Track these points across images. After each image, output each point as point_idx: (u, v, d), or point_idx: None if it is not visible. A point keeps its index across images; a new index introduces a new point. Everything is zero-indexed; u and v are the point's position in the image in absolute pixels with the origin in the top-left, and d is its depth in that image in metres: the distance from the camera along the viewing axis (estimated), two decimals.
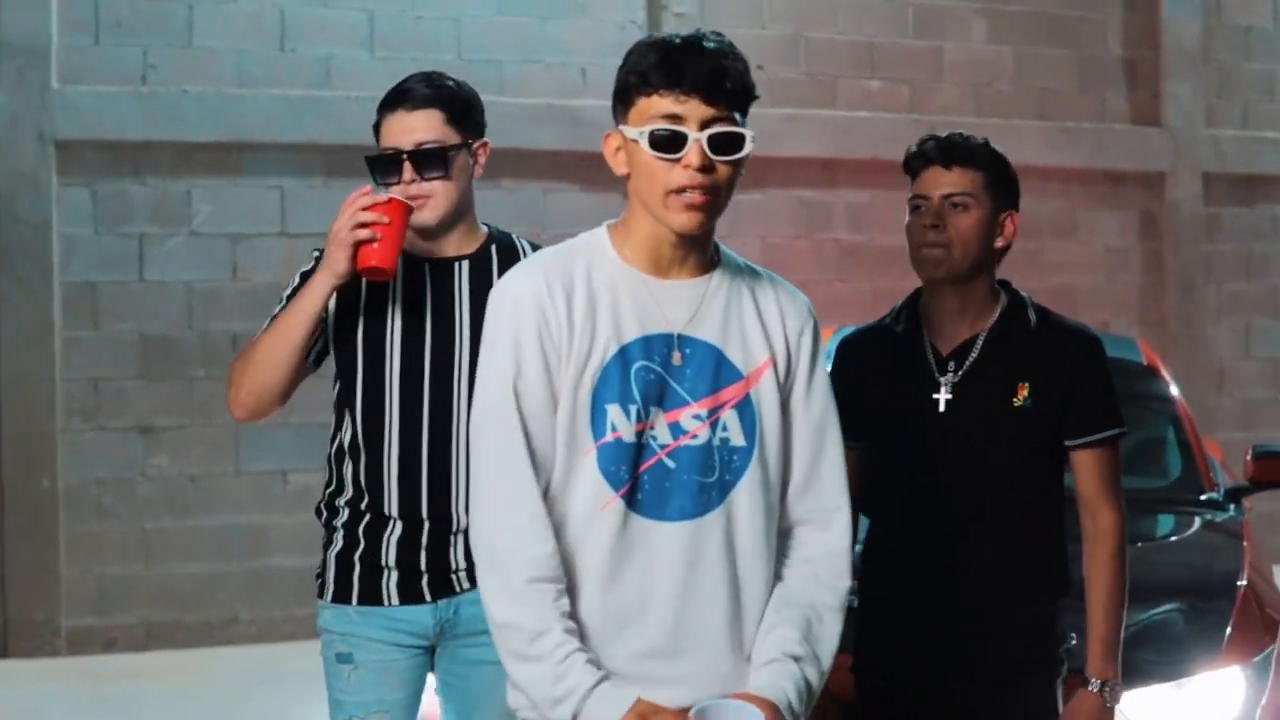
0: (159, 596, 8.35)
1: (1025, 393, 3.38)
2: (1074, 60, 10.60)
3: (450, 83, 3.48)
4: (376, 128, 3.46)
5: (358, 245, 3.23)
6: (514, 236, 3.57)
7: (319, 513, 3.57)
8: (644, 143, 2.57)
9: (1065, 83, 10.51)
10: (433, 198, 3.38)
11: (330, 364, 3.49)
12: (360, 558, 3.46)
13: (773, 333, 2.72)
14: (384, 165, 3.39)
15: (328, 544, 3.53)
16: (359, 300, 3.44)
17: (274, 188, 8.53)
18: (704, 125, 2.57)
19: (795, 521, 2.76)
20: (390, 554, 3.43)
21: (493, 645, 3.13)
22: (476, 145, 3.46)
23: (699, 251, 2.68)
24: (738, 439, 2.67)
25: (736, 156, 2.59)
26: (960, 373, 3.40)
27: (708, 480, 2.64)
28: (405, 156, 3.36)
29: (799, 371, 2.74)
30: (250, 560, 8.55)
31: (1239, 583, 4.34)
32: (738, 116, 2.60)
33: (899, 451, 3.45)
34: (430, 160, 3.36)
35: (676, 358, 2.65)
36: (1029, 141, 10.16)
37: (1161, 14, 10.77)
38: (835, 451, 2.78)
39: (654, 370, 2.64)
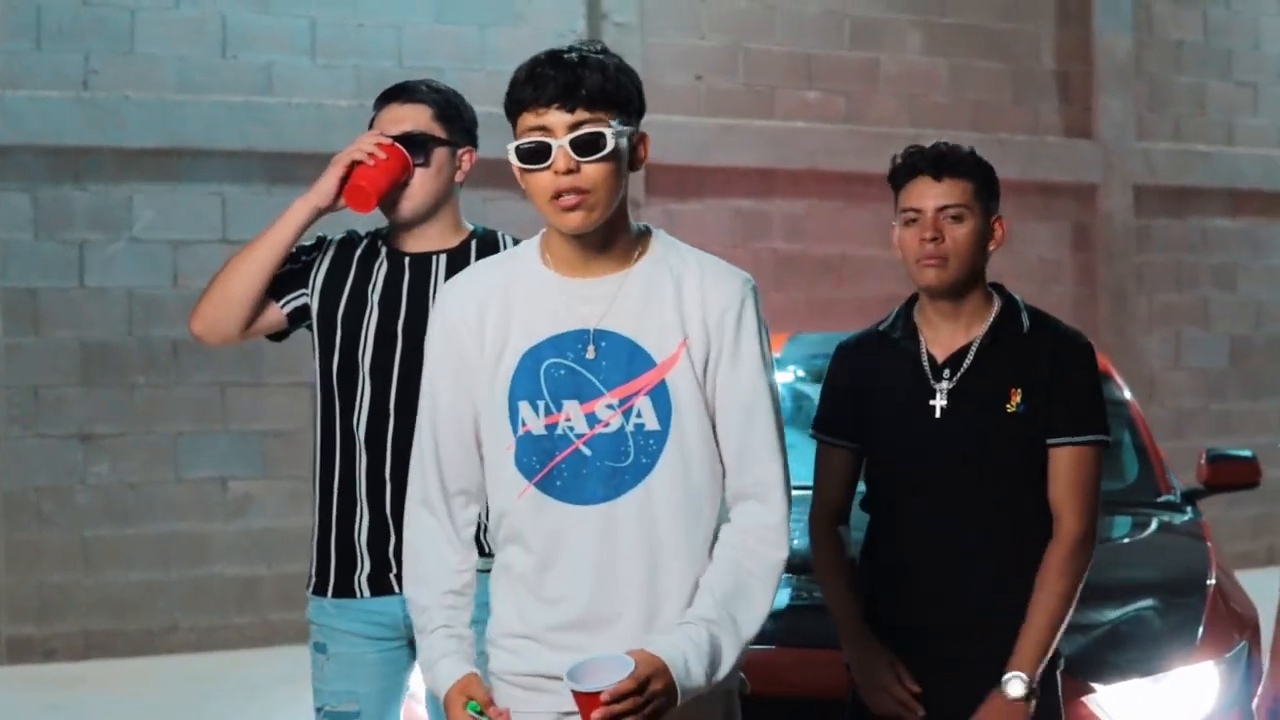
0: (99, 605, 8.40)
1: (1018, 398, 3.45)
2: (1008, 73, 10.86)
3: (448, 89, 3.72)
4: (371, 123, 3.67)
5: (352, 167, 3.49)
6: (499, 233, 3.72)
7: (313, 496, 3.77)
8: (514, 158, 2.79)
9: (999, 95, 10.76)
10: (409, 189, 3.58)
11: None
12: (336, 545, 3.62)
13: (690, 318, 2.87)
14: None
15: (312, 532, 3.71)
16: (341, 290, 3.63)
17: (215, 194, 8.62)
18: (568, 131, 2.77)
19: (735, 497, 2.92)
20: (362, 544, 3.59)
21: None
22: (462, 150, 3.66)
23: (612, 248, 2.88)
24: (652, 424, 2.85)
25: (599, 156, 2.76)
26: (955, 379, 3.47)
27: (621, 465, 2.84)
28: (391, 140, 3.56)
29: (722, 351, 2.87)
30: (190, 568, 8.62)
31: (1209, 581, 4.42)
32: (612, 120, 2.79)
33: (898, 456, 3.51)
34: (412, 146, 3.57)
35: (590, 351, 2.86)
36: None
37: (1094, 28, 11.05)
38: (767, 426, 2.91)
39: (565, 365, 2.86)
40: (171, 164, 8.50)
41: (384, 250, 3.68)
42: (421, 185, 3.59)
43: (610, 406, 2.85)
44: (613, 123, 2.79)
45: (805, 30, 10.20)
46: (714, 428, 2.90)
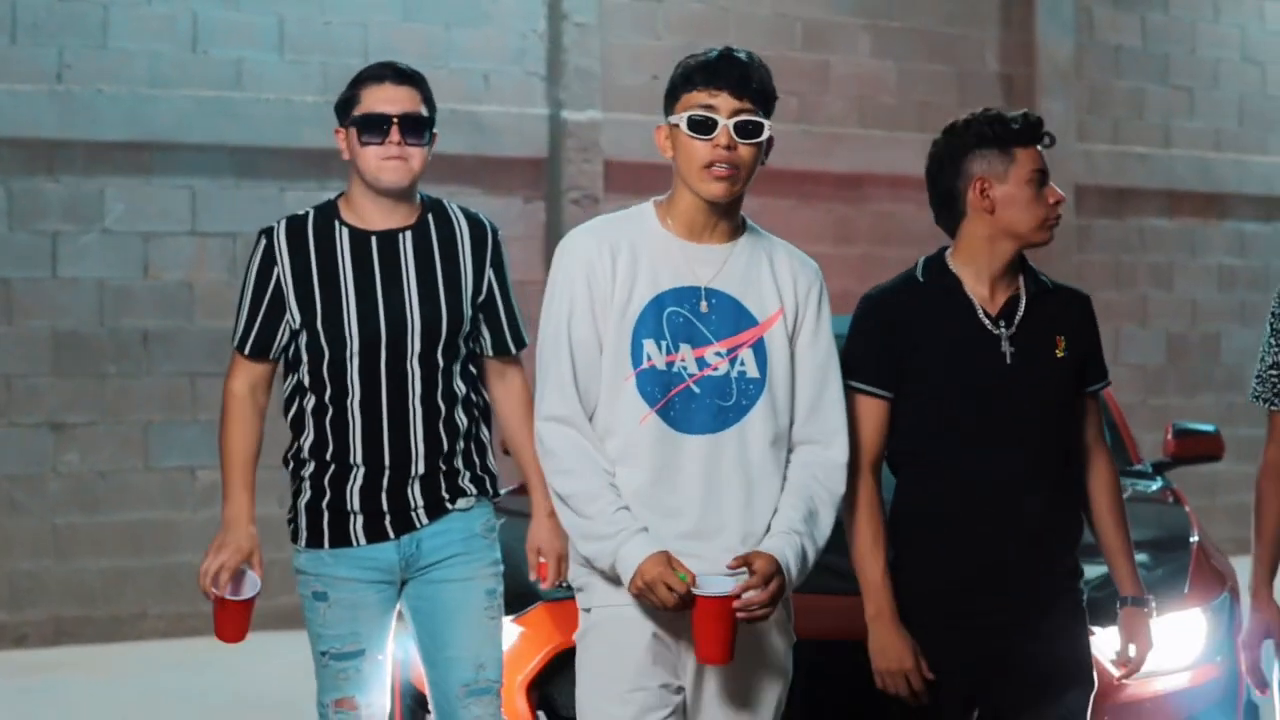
0: (69, 592, 8.55)
1: (1063, 344, 3.70)
2: (953, 75, 11.18)
3: (420, 73, 3.98)
4: (352, 100, 3.90)
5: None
6: (444, 202, 4.02)
7: (286, 463, 4.01)
8: (684, 125, 3.35)
9: (945, 97, 11.01)
10: (408, 161, 3.86)
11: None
12: (328, 505, 3.91)
13: (784, 289, 3.45)
14: (372, 125, 3.84)
15: (297, 493, 4.00)
16: (312, 277, 3.88)
17: (185, 187, 8.82)
18: (732, 115, 3.34)
19: (800, 442, 3.47)
20: (354, 500, 3.90)
21: (456, 565, 3.92)
22: (434, 131, 3.94)
23: (727, 221, 3.44)
24: (752, 372, 3.42)
25: (757, 140, 3.36)
26: (1014, 328, 3.66)
27: (725, 404, 3.40)
28: (395, 120, 3.84)
29: (805, 321, 3.47)
30: (159, 556, 8.78)
31: (1192, 539, 4.90)
32: (761, 114, 3.37)
33: (963, 401, 3.65)
34: (416, 127, 3.87)
35: (703, 306, 3.41)
36: (910, 153, 10.61)
37: (1036, 33, 11.35)
38: (836, 387, 3.51)
39: (683, 314, 3.40)
40: (143, 157, 8.68)
41: (345, 231, 3.91)
42: (419, 162, 3.88)
43: (719, 354, 3.40)
44: (766, 118, 3.38)
45: (757, 32, 10.41)
46: (794, 383, 3.46)
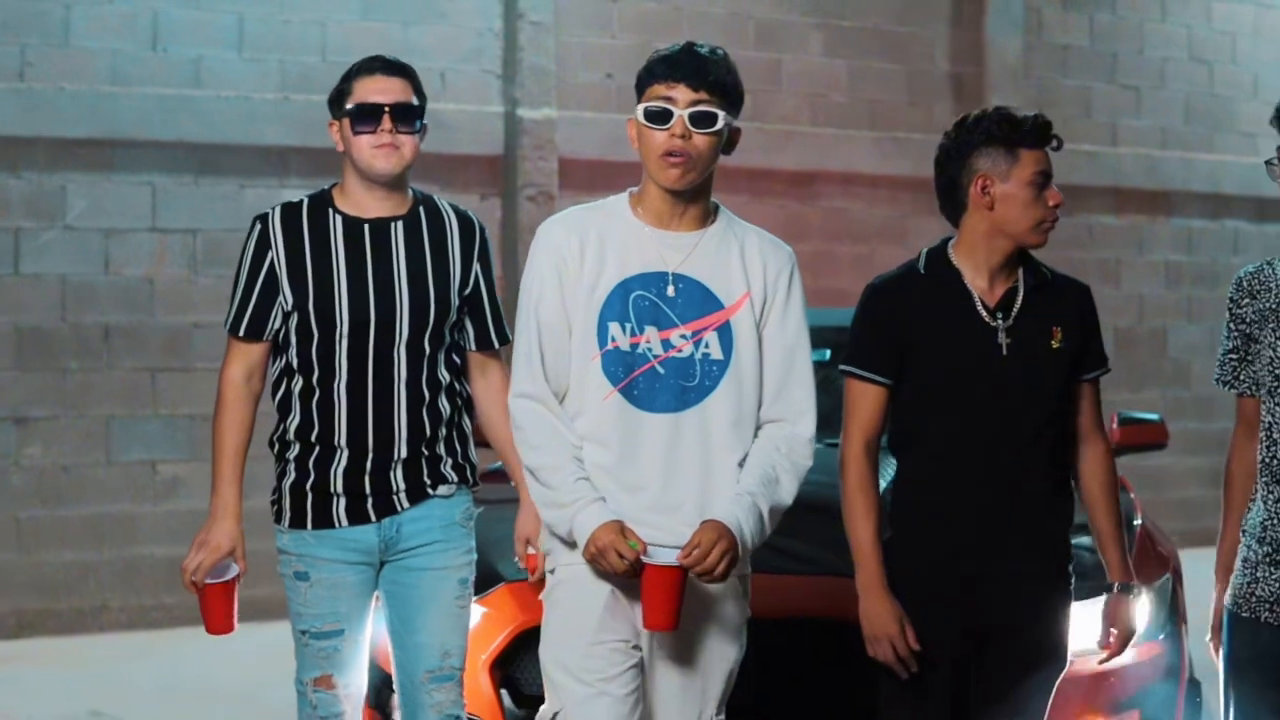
0: (31, 584, 8.62)
1: (1060, 335, 3.82)
2: (904, 74, 11.31)
3: (409, 64, 4.12)
4: (345, 92, 4.03)
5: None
6: (434, 197, 4.16)
7: (272, 445, 4.10)
8: (640, 115, 3.52)
9: (895, 95, 11.20)
10: (400, 149, 3.99)
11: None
12: (312, 487, 4.03)
13: (753, 274, 3.61)
14: (366, 115, 3.97)
15: (281, 475, 4.09)
16: (305, 260, 4.00)
17: (145, 184, 8.91)
18: (688, 106, 3.49)
19: (767, 420, 3.64)
20: (338, 482, 4.02)
21: (433, 553, 4.03)
22: (423, 122, 4.07)
23: (695, 209, 3.61)
24: (717, 354, 3.58)
25: (711, 129, 3.50)
26: (1011, 319, 3.80)
27: (689, 384, 3.57)
28: (387, 109, 3.97)
29: (774, 305, 3.63)
30: (120, 549, 8.87)
31: (1136, 523, 5.08)
32: (723, 105, 3.52)
33: (957, 390, 3.79)
34: (407, 116, 4.00)
35: (670, 290, 3.57)
36: (861, 151, 10.93)
37: (985, 32, 11.48)
38: (805, 364, 3.66)
39: (649, 298, 3.57)
40: (104, 154, 8.76)
41: (338, 218, 4.04)
42: (410, 150, 4.01)
43: (684, 336, 3.57)
44: (722, 109, 3.52)
45: (710, 31, 10.44)
46: (761, 365, 3.62)
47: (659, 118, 3.51)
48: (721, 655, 3.65)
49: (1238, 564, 3.70)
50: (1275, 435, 3.64)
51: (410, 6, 9.63)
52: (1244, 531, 3.72)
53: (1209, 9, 12.77)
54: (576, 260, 3.58)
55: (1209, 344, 12.00)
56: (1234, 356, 3.77)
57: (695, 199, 3.62)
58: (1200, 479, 11.80)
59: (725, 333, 3.60)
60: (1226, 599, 3.74)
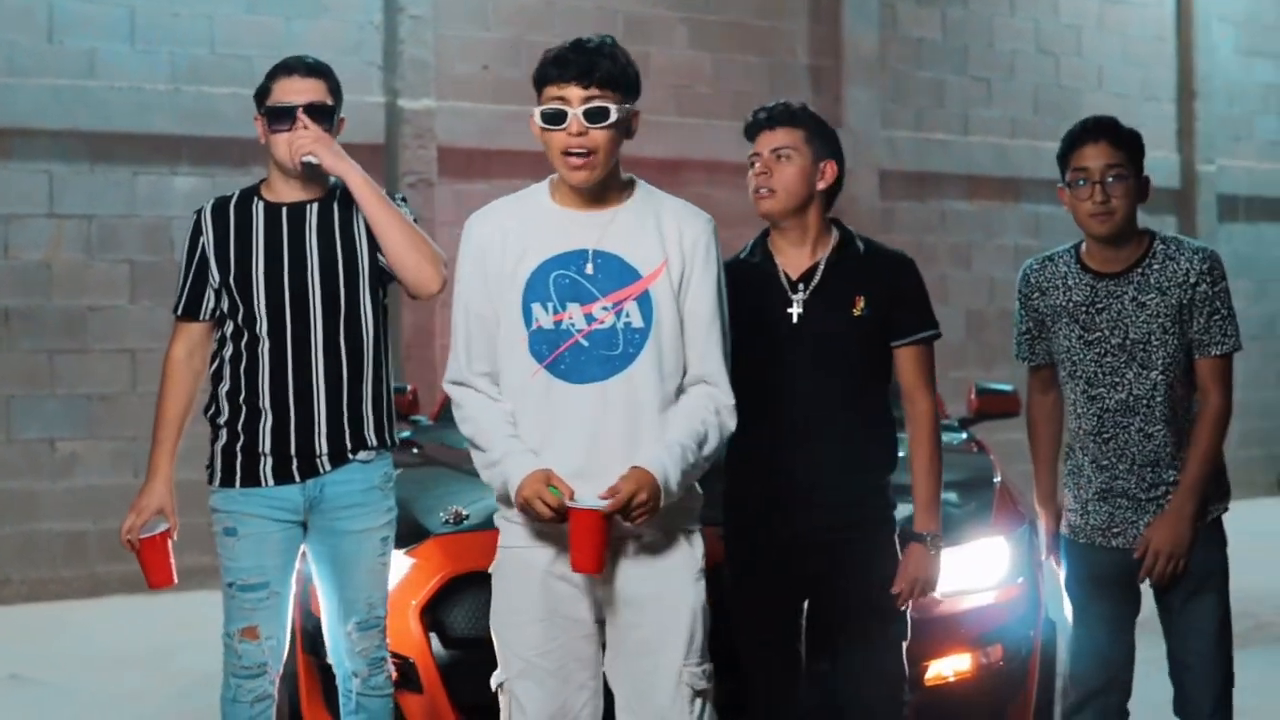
0: None
1: (862, 304, 4.12)
2: (766, 66, 11.72)
3: (327, 65, 4.41)
4: (265, 91, 4.32)
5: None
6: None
7: (206, 412, 4.38)
8: (537, 118, 3.65)
9: (758, 86, 11.53)
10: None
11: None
12: (241, 449, 4.34)
13: (669, 243, 3.71)
14: (280, 115, 4.27)
15: (214, 439, 4.38)
16: (229, 242, 4.34)
17: (42, 172, 9.19)
18: (581, 104, 3.61)
19: (693, 381, 3.76)
20: (266, 442, 4.32)
21: (355, 516, 4.36)
22: (340, 116, 4.39)
23: (610, 190, 3.73)
24: (637, 323, 3.69)
25: (603, 124, 3.62)
26: (809, 291, 4.14)
27: (612, 354, 3.68)
28: (300, 109, 4.27)
29: (694, 271, 3.72)
30: (20, 524, 9.14)
31: (995, 479, 5.47)
32: (616, 96, 3.65)
33: (758, 355, 4.07)
34: (319, 114, 4.29)
35: (589, 268, 3.69)
36: (725, 140, 10.80)
37: (843, 26, 11.91)
38: (722, 331, 3.77)
39: (569, 276, 3.68)
40: (1, 143, 9.02)
41: (260, 204, 4.37)
42: None
43: (605, 308, 3.67)
44: (615, 101, 3.66)
45: (582, 25, 10.70)
46: (682, 330, 3.73)
47: (554, 119, 3.61)
48: (675, 605, 3.73)
49: (1069, 501, 4.43)
50: (1078, 410, 4.39)
51: (293, 1, 9.91)
52: (1069, 477, 4.44)
53: (1055, 4, 13.24)
54: (498, 250, 3.69)
55: None
56: (1029, 337, 4.49)
57: (607, 186, 3.73)
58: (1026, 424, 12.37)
59: (645, 301, 3.69)
60: (1064, 529, 4.45)
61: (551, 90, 3.64)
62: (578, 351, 3.70)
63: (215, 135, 9.44)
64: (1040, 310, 4.44)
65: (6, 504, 9.14)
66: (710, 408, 3.76)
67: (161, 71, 9.53)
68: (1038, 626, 5.18)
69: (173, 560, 4.33)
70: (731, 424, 3.79)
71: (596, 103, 3.64)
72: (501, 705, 3.84)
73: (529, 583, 3.75)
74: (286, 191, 4.39)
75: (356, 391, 4.37)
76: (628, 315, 3.71)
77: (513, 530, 3.78)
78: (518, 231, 3.73)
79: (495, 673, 3.84)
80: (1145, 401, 4.30)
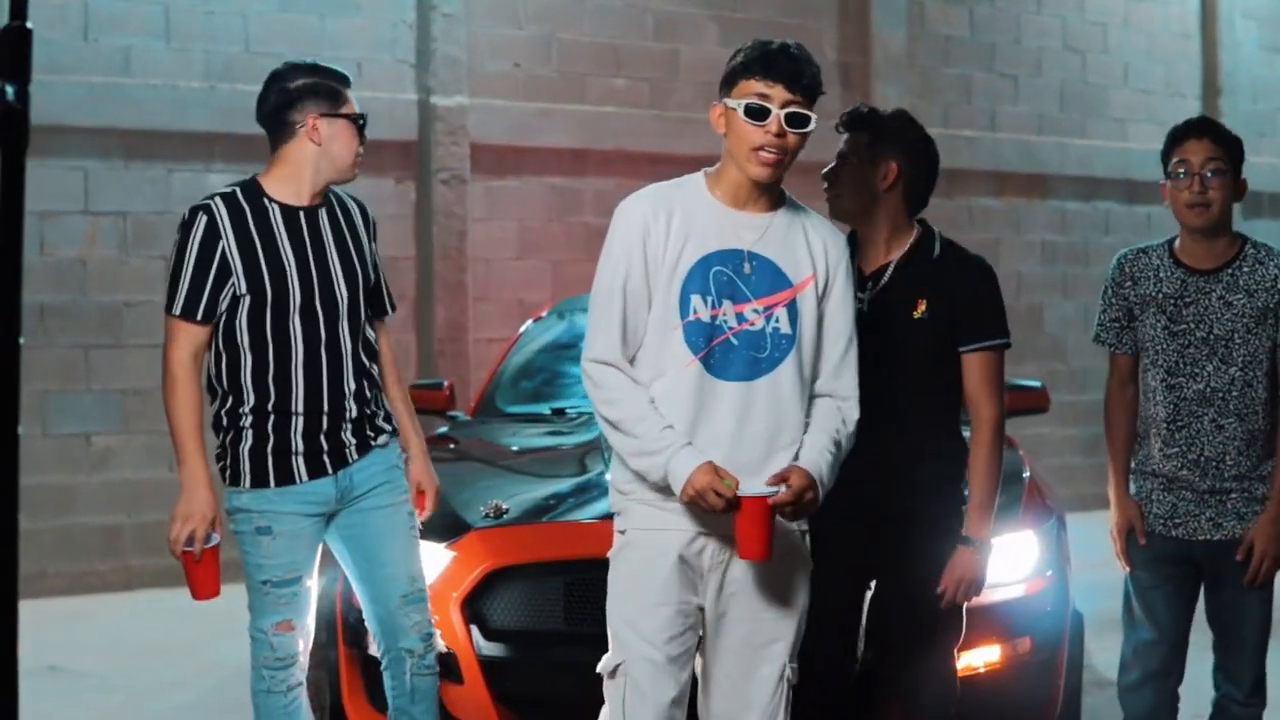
0: None
1: (923, 307, 4.16)
2: None
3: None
4: (338, 94, 4.38)
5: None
6: (330, 190, 4.43)
7: (219, 419, 4.35)
8: (740, 110, 3.64)
9: None
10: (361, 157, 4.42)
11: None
12: (272, 449, 4.34)
13: (817, 257, 3.77)
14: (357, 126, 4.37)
15: (235, 442, 4.33)
16: (255, 247, 4.30)
17: (78, 169, 9.23)
18: (784, 106, 3.63)
19: (823, 394, 3.80)
20: (298, 441, 4.34)
21: (382, 494, 4.40)
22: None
23: (769, 195, 3.75)
24: (785, 329, 3.73)
25: (804, 130, 3.65)
26: (876, 289, 4.20)
27: (760, 355, 3.70)
28: (364, 122, 4.41)
29: (835, 287, 3.79)
30: (57, 518, 9.19)
31: (1024, 475, 5.50)
32: (811, 106, 3.67)
33: None
34: (365, 126, 4.44)
35: (746, 267, 3.71)
36: None
37: (871, 24, 11.96)
38: (854, 351, 3.82)
39: (727, 273, 3.70)
40: (37, 140, 8.73)
41: (275, 207, 4.34)
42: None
43: (756, 311, 3.70)
44: (811, 110, 3.68)
45: (612, 23, 10.97)
46: (819, 341, 3.77)
47: (758, 114, 3.62)
48: (792, 603, 3.80)
49: (1134, 490, 4.60)
50: (1156, 398, 4.53)
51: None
52: (1138, 464, 4.61)
53: (1082, 1, 13.25)
54: (661, 234, 3.66)
55: (1083, 320, 12.34)
56: (1117, 324, 4.62)
57: (771, 187, 3.75)
58: (1075, 447, 12.34)
59: (793, 309, 3.73)
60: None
61: (756, 85, 3.65)
62: (728, 348, 3.71)
63: (249, 132, 9.01)
64: (1130, 299, 4.57)
65: (43, 498, 9.20)
66: (842, 422, 3.80)
67: (196, 69, 9.58)
68: (1066, 619, 5.22)
69: (219, 572, 4.32)
70: (852, 442, 3.83)
71: (799, 109, 3.66)
72: (612, 689, 3.79)
73: (662, 566, 3.74)
74: (295, 194, 4.38)
75: (373, 384, 4.48)
76: (777, 320, 3.74)
77: (643, 512, 3.76)
78: (681, 219, 3.72)
79: (608, 656, 3.80)
80: (1221, 394, 4.45)
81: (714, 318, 3.69)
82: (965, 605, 4.33)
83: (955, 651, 4.32)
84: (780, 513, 3.62)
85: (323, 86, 4.40)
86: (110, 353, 9.42)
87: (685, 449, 3.63)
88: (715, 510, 3.59)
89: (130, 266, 9.46)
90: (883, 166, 4.23)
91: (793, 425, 3.75)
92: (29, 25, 1.83)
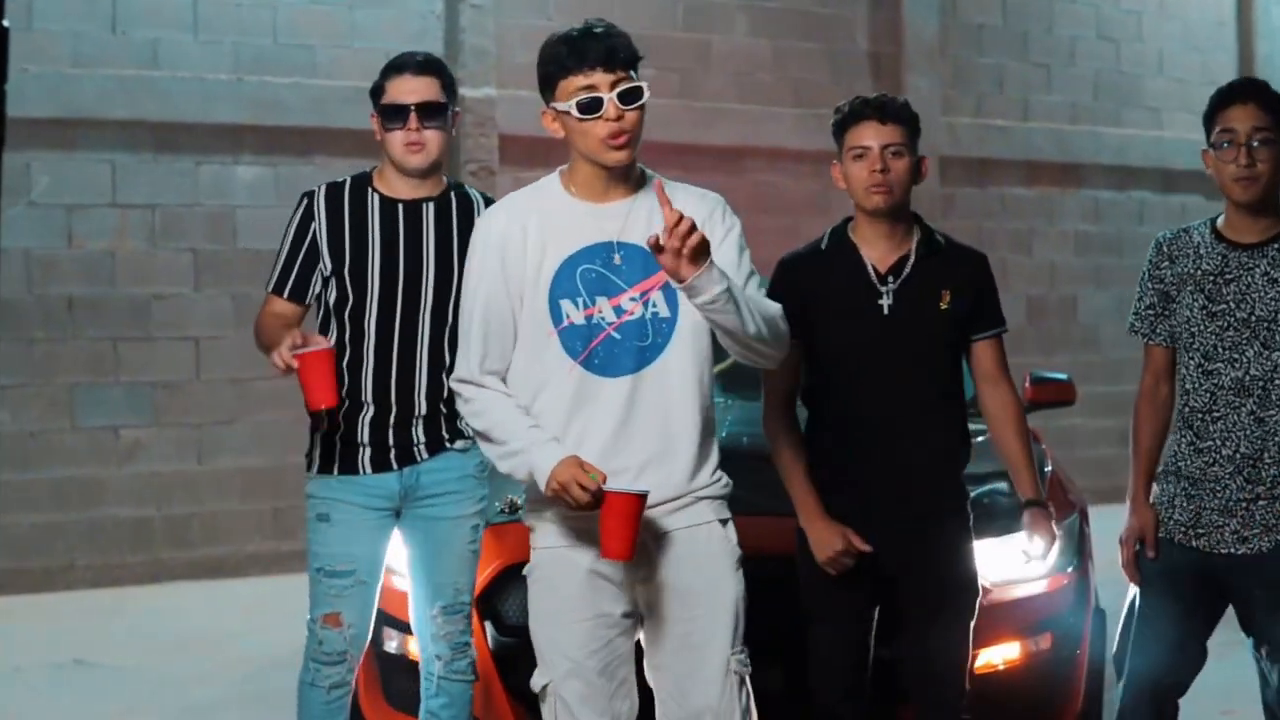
0: (2, 545, 8.87)
1: (949, 298, 4.20)
2: (826, 53, 11.68)
3: (438, 58, 4.49)
4: (380, 89, 4.38)
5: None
6: (465, 187, 4.54)
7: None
8: (574, 111, 3.58)
9: (818, 74, 11.55)
10: (426, 145, 4.35)
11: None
12: (340, 438, 4.40)
13: None
14: (393, 114, 4.34)
15: (314, 427, 4.43)
16: (344, 240, 4.39)
17: (106, 161, 9.21)
18: (612, 88, 3.57)
19: None
20: (365, 433, 4.38)
21: (449, 503, 4.37)
22: (454, 111, 4.44)
23: (626, 180, 3.69)
24: (664, 312, 3.68)
25: (639, 104, 3.60)
26: (898, 283, 4.20)
27: (644, 344, 3.67)
28: (413, 109, 4.34)
29: (711, 244, 3.54)
30: (86, 511, 9.18)
31: (1046, 469, 5.45)
32: (633, 74, 3.60)
33: (844, 348, 4.18)
34: (431, 113, 4.36)
35: (616, 258, 3.67)
36: (786, 127, 11.32)
37: (903, 12, 11.87)
38: (757, 286, 3.74)
39: (595, 270, 3.66)
40: (66, 133, 9.04)
41: (376, 197, 4.41)
42: (436, 144, 4.37)
43: (633, 299, 3.67)
44: (638, 79, 3.63)
45: (641, 13, 10.84)
46: None
47: (590, 108, 3.56)
48: (721, 595, 3.75)
49: (1155, 494, 4.31)
50: (1187, 386, 4.25)
51: None
52: (1161, 471, 4.32)
53: None
54: (519, 245, 3.64)
55: (1117, 310, 12.12)
56: (1152, 312, 4.32)
57: (629, 169, 3.70)
58: (1109, 439, 12.16)
59: (669, 290, 3.65)
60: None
61: (577, 80, 3.60)
62: (610, 345, 3.69)
63: (278, 125, 9.52)
64: (1167, 280, 4.29)
65: (72, 490, 9.20)
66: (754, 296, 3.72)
67: (224, 61, 9.56)
68: (1087, 616, 5.19)
69: (335, 380, 4.23)
70: (774, 314, 3.72)
71: (626, 85, 3.61)
72: (545, 709, 3.81)
73: (572, 582, 3.73)
74: (402, 187, 4.44)
75: None
76: (654, 305, 3.70)
77: (550, 530, 3.76)
78: (538, 226, 3.69)
79: (536, 674, 3.82)
80: (1262, 383, 4.15)
81: (589, 318, 3.67)
82: (980, 597, 4.40)
83: (970, 642, 4.35)
84: (670, 246, 3.44)
85: (378, 83, 4.45)
86: (139, 345, 9.39)
87: (549, 444, 3.61)
88: (580, 505, 3.55)
89: (159, 259, 9.45)
90: (921, 162, 4.34)
91: (684, 414, 3.70)
92: (5, 24, 1.81)
